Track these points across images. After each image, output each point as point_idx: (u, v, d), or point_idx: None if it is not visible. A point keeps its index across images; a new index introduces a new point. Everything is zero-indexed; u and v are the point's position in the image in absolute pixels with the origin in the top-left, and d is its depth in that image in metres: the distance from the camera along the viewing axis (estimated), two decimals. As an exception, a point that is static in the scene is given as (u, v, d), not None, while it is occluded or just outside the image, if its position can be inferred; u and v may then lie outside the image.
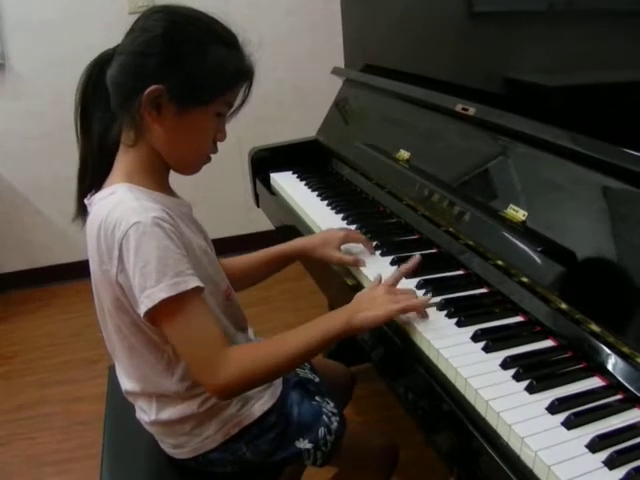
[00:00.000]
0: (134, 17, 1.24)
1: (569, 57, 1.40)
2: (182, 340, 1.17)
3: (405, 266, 1.38)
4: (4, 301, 3.82)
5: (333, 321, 1.25)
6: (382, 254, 1.59)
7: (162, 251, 1.13)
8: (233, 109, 1.30)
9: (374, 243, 1.63)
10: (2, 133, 3.66)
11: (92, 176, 1.29)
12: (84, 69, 1.27)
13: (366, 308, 1.24)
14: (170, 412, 1.32)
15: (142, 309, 1.13)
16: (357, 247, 1.62)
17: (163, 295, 1.11)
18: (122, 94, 1.21)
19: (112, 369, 1.51)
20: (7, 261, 3.90)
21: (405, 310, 1.26)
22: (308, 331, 1.24)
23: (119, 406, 1.53)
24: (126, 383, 1.36)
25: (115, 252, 1.14)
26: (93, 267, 1.24)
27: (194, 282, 1.15)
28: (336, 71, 2.54)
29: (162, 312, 1.14)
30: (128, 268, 1.14)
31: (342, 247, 1.60)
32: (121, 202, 1.17)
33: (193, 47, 1.19)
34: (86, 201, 1.28)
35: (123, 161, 1.26)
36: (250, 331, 1.50)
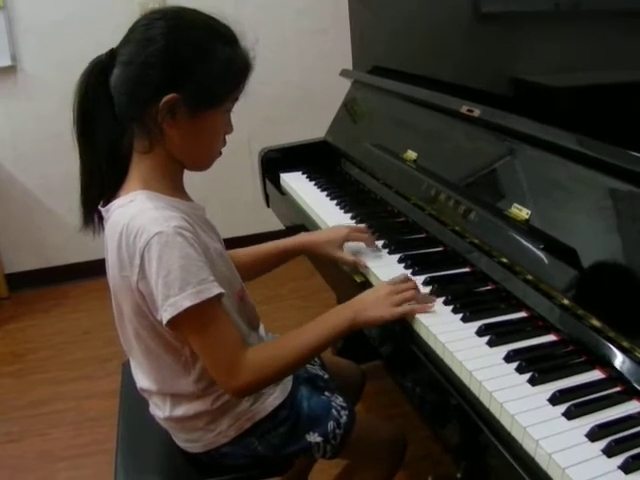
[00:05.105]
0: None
1: (573, 59, 1.42)
2: (203, 345, 1.20)
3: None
4: (16, 300, 3.84)
5: (340, 318, 1.30)
6: (390, 252, 1.62)
7: (185, 260, 1.15)
8: None
9: (382, 242, 1.66)
10: (14, 134, 3.69)
11: (101, 185, 1.28)
12: (79, 78, 1.26)
13: (371, 308, 1.30)
14: (184, 409, 1.34)
15: (165, 317, 1.15)
16: (360, 246, 1.65)
17: (187, 303, 1.14)
18: (134, 105, 1.22)
19: (126, 365, 1.53)
20: (19, 260, 3.92)
21: (407, 314, 1.31)
22: (317, 328, 1.29)
23: (133, 401, 1.55)
24: (142, 381, 1.38)
25: (136, 260, 1.16)
26: (112, 273, 1.25)
27: (216, 289, 1.18)
28: (344, 73, 2.56)
29: (185, 319, 1.16)
30: (150, 276, 1.16)
31: (346, 245, 1.63)
32: (142, 211, 1.19)
33: (200, 52, 1.20)
34: (102, 208, 1.28)
35: (138, 168, 1.26)
36: (261, 327, 1.51)
